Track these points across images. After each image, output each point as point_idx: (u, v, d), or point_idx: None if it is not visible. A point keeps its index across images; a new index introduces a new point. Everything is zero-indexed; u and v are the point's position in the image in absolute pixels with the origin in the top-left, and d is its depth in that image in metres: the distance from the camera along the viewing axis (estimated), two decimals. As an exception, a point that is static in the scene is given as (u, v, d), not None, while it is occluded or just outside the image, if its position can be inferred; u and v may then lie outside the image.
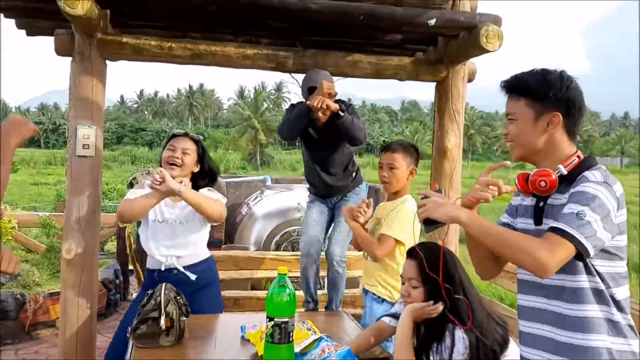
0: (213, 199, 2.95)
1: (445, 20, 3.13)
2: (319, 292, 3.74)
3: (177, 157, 2.90)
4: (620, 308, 1.63)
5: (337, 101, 3.49)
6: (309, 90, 3.33)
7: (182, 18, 3.32)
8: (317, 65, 3.40)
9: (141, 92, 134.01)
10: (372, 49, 3.68)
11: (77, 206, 3.20)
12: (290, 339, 2.17)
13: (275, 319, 2.14)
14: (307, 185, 3.91)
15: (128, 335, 2.52)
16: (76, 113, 3.19)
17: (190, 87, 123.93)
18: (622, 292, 1.65)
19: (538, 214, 1.75)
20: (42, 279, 5.42)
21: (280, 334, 2.14)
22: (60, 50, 3.18)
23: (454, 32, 3.29)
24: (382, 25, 3.20)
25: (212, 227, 3.30)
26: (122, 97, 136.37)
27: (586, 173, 1.64)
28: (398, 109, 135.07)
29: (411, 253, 2.32)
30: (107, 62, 3.32)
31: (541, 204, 1.75)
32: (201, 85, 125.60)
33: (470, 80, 3.62)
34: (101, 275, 5.88)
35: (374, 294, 3.10)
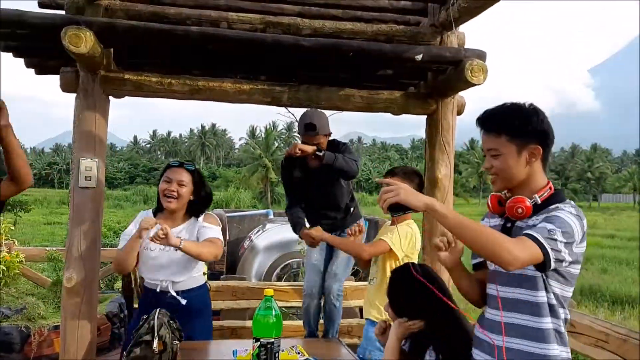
0: (211, 242, 3.01)
1: (431, 55, 3.27)
2: (296, 322, 3.87)
3: (173, 190, 3.01)
4: (564, 323, 1.80)
5: (331, 141, 3.68)
6: (305, 127, 3.55)
7: (182, 56, 3.49)
8: (310, 99, 3.54)
9: (154, 132, 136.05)
10: (365, 83, 3.83)
11: (78, 236, 3.30)
12: (276, 360, 2.24)
13: (261, 340, 2.22)
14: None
15: (123, 358, 2.59)
16: (79, 146, 3.33)
17: (203, 127, 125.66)
18: (566, 313, 1.81)
19: (505, 234, 1.84)
20: (47, 312, 5.49)
21: (266, 355, 2.22)
22: (66, 87, 3.35)
23: (441, 67, 3.43)
24: (372, 61, 3.36)
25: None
26: (135, 137, 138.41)
27: (560, 205, 1.77)
28: (408, 147, 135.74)
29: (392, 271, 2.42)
30: (111, 98, 3.49)
31: (509, 224, 1.85)
32: (213, 125, 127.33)
33: (459, 113, 3.74)
34: (106, 308, 5.94)
35: (369, 318, 3.18)
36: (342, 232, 3.82)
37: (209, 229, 3.07)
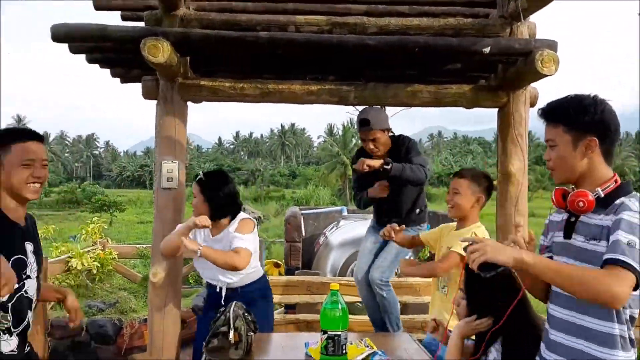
0: (235, 252, 3.13)
1: (500, 47, 3.22)
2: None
3: (194, 204, 3.26)
4: (629, 327, 1.74)
5: (396, 137, 3.70)
6: (360, 122, 3.66)
7: (253, 60, 3.64)
8: (377, 97, 3.59)
9: (237, 133, 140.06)
10: (434, 78, 3.82)
11: (162, 234, 3.52)
12: (343, 352, 2.31)
13: (328, 332, 2.30)
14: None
15: (203, 349, 2.75)
16: (161, 150, 3.55)
17: (282, 127, 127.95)
18: (632, 311, 1.74)
19: (568, 229, 1.83)
20: (138, 306, 5.87)
21: (333, 347, 2.29)
22: (147, 95, 3.58)
23: (511, 59, 3.37)
24: (439, 56, 3.35)
25: (289, 254, 3.56)
26: (219, 139, 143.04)
27: (625, 201, 1.71)
28: (491, 140, 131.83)
29: (466, 265, 2.40)
30: (188, 103, 3.69)
31: (573, 219, 1.82)
32: (292, 125, 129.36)
33: (532, 104, 3.66)
34: (192, 302, 6.26)
35: None
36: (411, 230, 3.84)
37: (238, 239, 3.18)
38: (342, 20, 3.45)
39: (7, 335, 2.09)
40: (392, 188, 3.73)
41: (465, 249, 1.81)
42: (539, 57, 3.09)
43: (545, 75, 3.15)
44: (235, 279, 3.29)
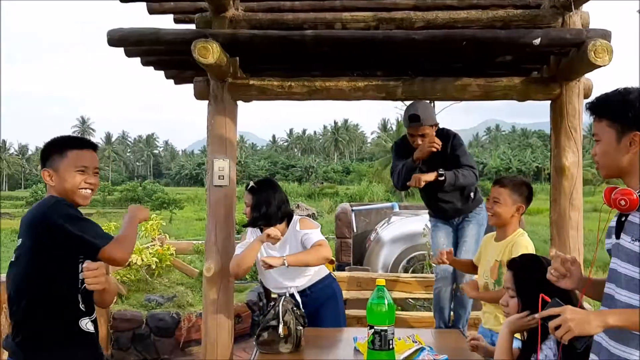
0: (315, 247, 3.21)
1: (550, 38, 3.14)
2: (421, 313, 3.88)
3: (245, 213, 3.43)
4: None
5: (440, 130, 3.68)
6: (410, 118, 3.63)
7: (300, 59, 3.68)
8: (425, 92, 3.56)
9: (291, 131, 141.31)
10: (484, 71, 3.76)
11: (214, 230, 3.62)
12: (390, 347, 2.32)
13: (375, 327, 2.32)
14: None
15: (254, 342, 2.83)
16: (212, 148, 3.65)
17: (335, 123, 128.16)
18: None
19: (618, 228, 1.78)
20: (195, 300, 6.05)
21: (380, 341, 2.31)
22: (199, 95, 3.69)
23: (563, 50, 3.28)
24: (486, 49, 3.30)
25: (340, 250, 3.61)
26: (273, 136, 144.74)
27: None
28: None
29: (510, 264, 2.37)
30: (241, 103, 3.78)
31: (623, 218, 1.77)
32: (345, 121, 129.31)
33: (586, 96, 3.55)
34: (247, 297, 6.41)
35: (491, 329, 3.10)
36: (465, 217, 3.83)
37: (312, 234, 3.27)
38: (389, 15, 3.44)
39: (86, 316, 2.26)
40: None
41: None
42: (592, 47, 2.99)
43: (599, 66, 3.05)
44: (303, 282, 3.35)
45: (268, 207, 3.36)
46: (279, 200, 3.40)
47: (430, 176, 3.57)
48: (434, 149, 3.62)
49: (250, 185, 3.43)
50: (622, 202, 1.69)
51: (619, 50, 3.08)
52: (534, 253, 2.72)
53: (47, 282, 2.17)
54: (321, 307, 3.32)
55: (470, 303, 3.79)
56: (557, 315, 1.69)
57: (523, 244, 3.02)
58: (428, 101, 3.74)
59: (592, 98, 1.86)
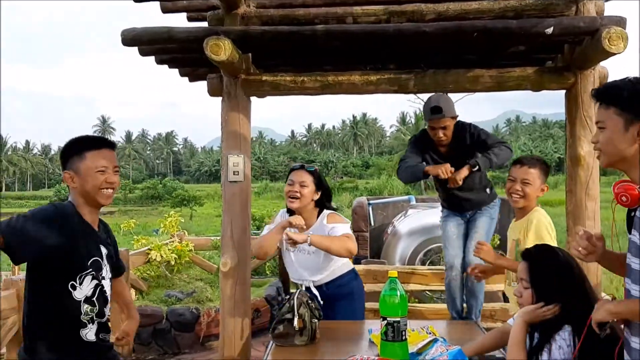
0: (340, 237, 3.20)
1: (563, 27, 3.11)
2: (438, 305, 3.87)
3: (296, 191, 3.25)
4: None
5: (459, 124, 3.66)
6: (432, 110, 3.56)
7: (312, 54, 3.69)
8: (437, 84, 3.55)
9: (309, 125, 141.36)
10: (496, 62, 3.74)
11: (230, 225, 3.65)
12: (403, 338, 2.34)
13: (388, 319, 2.34)
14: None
15: (270, 334, 2.86)
16: (227, 145, 3.69)
17: (354, 117, 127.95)
18: None
19: (629, 223, 1.77)
20: (214, 295, 6.12)
21: (393, 332, 2.33)
22: (213, 92, 3.72)
23: (577, 38, 3.25)
24: (499, 39, 3.28)
25: (357, 243, 3.61)
26: (292, 132, 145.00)
27: None
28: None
29: (524, 254, 2.38)
30: (252, 98, 3.81)
31: (632, 214, 1.75)
32: (364, 115, 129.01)
33: (601, 85, 3.51)
34: (265, 292, 6.46)
35: None
36: (478, 210, 3.83)
37: (339, 227, 3.25)
38: (399, 8, 3.44)
39: (90, 324, 2.29)
40: (457, 166, 3.71)
41: None
42: (606, 34, 2.96)
43: (614, 54, 3.02)
44: (321, 276, 3.34)
45: (325, 190, 3.38)
46: (327, 185, 3.45)
47: (465, 171, 3.55)
48: (460, 183, 3.62)
49: (303, 164, 3.43)
50: (624, 198, 1.69)
51: (634, 37, 3.04)
52: (549, 243, 2.71)
53: (42, 290, 2.21)
54: (336, 303, 3.32)
55: (481, 292, 3.79)
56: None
57: (539, 217, 3.06)
58: (446, 93, 3.71)
59: (600, 86, 1.83)
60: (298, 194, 3.26)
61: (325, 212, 3.43)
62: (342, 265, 3.41)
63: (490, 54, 3.68)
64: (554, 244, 3.10)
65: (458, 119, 3.88)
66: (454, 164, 3.65)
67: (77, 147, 2.31)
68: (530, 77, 3.53)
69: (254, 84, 3.65)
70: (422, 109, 3.76)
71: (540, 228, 3.06)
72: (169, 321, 5.75)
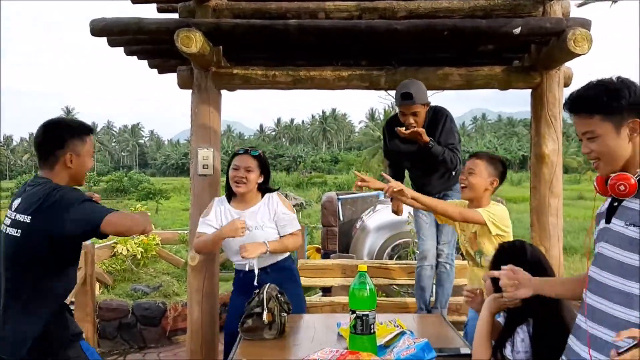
0: (293, 235, 3.25)
1: (530, 27, 3.19)
2: (405, 299, 3.94)
3: (242, 176, 3.14)
4: None
5: (433, 108, 3.68)
6: (402, 96, 3.53)
7: (284, 48, 3.69)
8: (408, 82, 3.60)
9: (278, 120, 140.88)
10: (467, 60, 3.80)
11: (199, 220, 3.64)
12: (372, 331, 2.36)
13: (357, 312, 2.35)
14: None
15: (239, 329, 2.85)
16: (196, 138, 3.66)
17: (324, 112, 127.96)
18: None
19: (610, 213, 1.75)
20: (180, 290, 6.06)
21: (362, 326, 2.34)
22: (182, 85, 3.69)
23: (543, 39, 3.33)
24: (468, 38, 3.34)
25: (326, 239, 3.61)
26: (261, 126, 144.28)
27: None
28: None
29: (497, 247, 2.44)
30: (225, 92, 3.79)
31: (615, 204, 1.74)
32: (333, 110, 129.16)
33: (566, 85, 3.61)
34: (233, 286, 6.43)
35: None
36: (445, 195, 3.86)
37: (293, 219, 3.25)
38: (371, 5, 3.47)
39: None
40: (424, 160, 3.75)
41: None
42: (572, 36, 3.05)
43: (578, 55, 3.11)
44: (263, 257, 3.19)
45: (269, 175, 3.32)
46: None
47: (425, 135, 3.53)
48: (407, 133, 3.59)
49: (247, 149, 3.26)
50: (622, 187, 1.67)
51: (598, 39, 3.12)
52: (522, 240, 2.70)
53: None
54: (281, 287, 3.27)
55: (448, 282, 3.86)
56: None
57: (499, 208, 3.03)
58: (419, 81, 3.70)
59: (570, 96, 1.78)
60: (244, 179, 3.17)
61: (274, 195, 3.33)
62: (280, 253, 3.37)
63: (460, 52, 3.74)
64: (509, 234, 3.12)
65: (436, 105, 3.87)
66: (422, 147, 3.67)
67: (78, 130, 2.40)
68: (498, 76, 3.61)
69: (224, 77, 3.63)
70: (391, 105, 3.78)
71: (497, 215, 3.06)
72: (135, 315, 5.67)
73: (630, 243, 1.64)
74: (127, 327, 5.65)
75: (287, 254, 3.39)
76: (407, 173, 4.11)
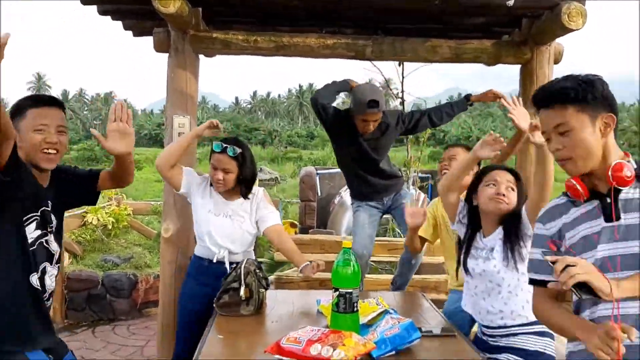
0: (288, 236, 3.21)
1: (524, 0, 3.08)
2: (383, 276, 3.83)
3: (220, 179, 2.94)
4: None
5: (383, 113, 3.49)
6: (369, 104, 3.28)
7: (268, 13, 3.52)
8: (395, 52, 3.47)
9: (254, 93, 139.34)
10: (455, 34, 3.68)
11: (172, 191, 3.48)
12: (355, 309, 2.27)
13: (340, 290, 2.26)
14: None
15: (214, 304, 2.73)
16: (172, 104, 3.49)
17: (300, 87, 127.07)
18: None
19: (611, 211, 1.62)
20: (152, 262, 5.92)
21: (345, 304, 2.25)
22: (159, 47, 3.49)
23: (536, 12, 3.23)
24: (460, 9, 3.22)
25: (304, 214, 3.47)
26: (236, 98, 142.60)
27: None
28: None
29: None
30: (205, 61, 3.61)
31: (607, 200, 1.62)
32: (310, 85, 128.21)
33: (556, 61, 3.52)
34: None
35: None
36: (397, 195, 3.72)
37: (274, 214, 3.10)
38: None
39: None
40: (379, 150, 3.59)
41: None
42: (566, 10, 2.96)
43: (572, 30, 3.02)
44: (238, 251, 3.05)
45: (252, 176, 3.09)
46: (254, 165, 3.16)
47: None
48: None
49: (225, 148, 2.96)
50: (628, 173, 1.55)
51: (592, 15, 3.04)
52: None
53: None
54: None
55: (402, 266, 3.68)
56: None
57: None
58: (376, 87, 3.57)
59: (541, 89, 1.65)
60: (222, 181, 2.96)
61: (259, 190, 3.15)
62: (250, 251, 3.17)
63: (450, 24, 3.61)
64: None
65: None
66: (380, 146, 3.55)
67: (19, 106, 2.08)
68: (488, 49, 3.50)
69: (204, 41, 3.45)
70: (355, 97, 3.40)
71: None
72: (105, 287, 5.52)
73: None
74: (96, 299, 5.50)
75: (252, 251, 3.23)
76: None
